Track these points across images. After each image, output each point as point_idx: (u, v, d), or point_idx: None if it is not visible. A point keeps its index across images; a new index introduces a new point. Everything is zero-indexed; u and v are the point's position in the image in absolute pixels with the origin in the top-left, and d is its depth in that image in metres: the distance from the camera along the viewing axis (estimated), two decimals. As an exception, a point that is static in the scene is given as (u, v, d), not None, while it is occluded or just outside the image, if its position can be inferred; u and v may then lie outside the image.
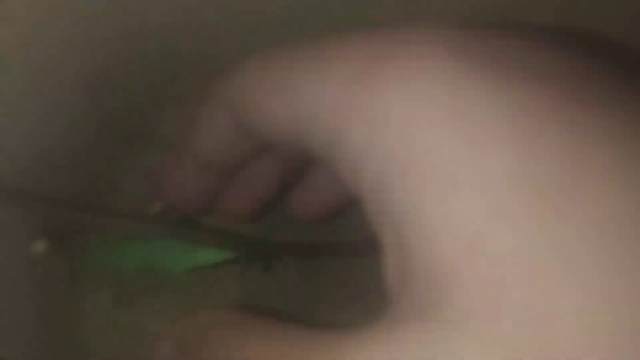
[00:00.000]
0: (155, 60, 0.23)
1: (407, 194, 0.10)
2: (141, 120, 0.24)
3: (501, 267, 0.09)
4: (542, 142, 0.10)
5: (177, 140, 0.17)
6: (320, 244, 0.20)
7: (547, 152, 0.10)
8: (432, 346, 0.10)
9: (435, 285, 0.10)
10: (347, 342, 0.11)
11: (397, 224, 0.11)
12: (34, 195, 0.18)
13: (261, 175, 0.18)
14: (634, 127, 0.10)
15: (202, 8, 0.22)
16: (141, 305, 0.23)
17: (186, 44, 0.23)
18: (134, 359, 0.22)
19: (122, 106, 0.23)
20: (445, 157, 0.10)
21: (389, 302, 0.11)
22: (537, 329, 0.09)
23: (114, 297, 0.23)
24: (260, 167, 0.18)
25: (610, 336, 0.09)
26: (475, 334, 0.09)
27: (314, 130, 0.12)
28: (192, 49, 0.23)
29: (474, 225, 0.10)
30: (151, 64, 0.23)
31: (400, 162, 0.11)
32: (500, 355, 0.09)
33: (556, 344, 0.09)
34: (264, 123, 0.13)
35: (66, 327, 0.23)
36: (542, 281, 0.09)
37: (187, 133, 0.17)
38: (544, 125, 0.10)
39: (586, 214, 0.09)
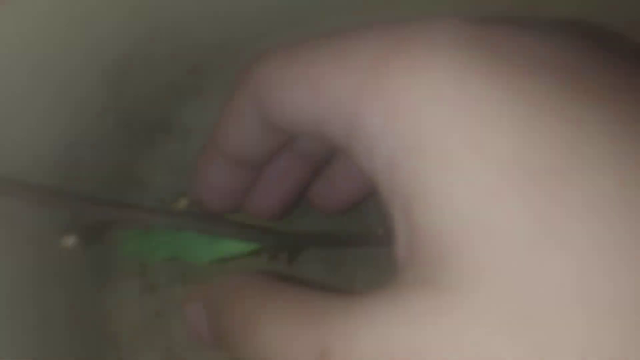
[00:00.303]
0: (176, 51, 0.23)
1: (414, 172, 0.11)
2: (162, 112, 0.24)
3: (496, 243, 0.10)
4: (538, 130, 0.11)
5: (207, 138, 0.18)
6: (344, 234, 0.21)
7: (542, 139, 0.11)
8: (432, 309, 0.11)
9: (437, 255, 0.11)
10: (357, 306, 0.12)
11: (404, 199, 0.12)
12: (61, 192, 0.18)
13: (284, 173, 0.19)
14: (628, 116, 0.11)
15: (222, -1, 0.22)
16: (168, 295, 0.23)
17: (206, 35, 0.23)
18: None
19: (142, 98, 0.24)
20: (449, 141, 0.11)
21: (398, 272, 0.12)
22: (533, 295, 0.10)
23: (141, 287, 0.23)
24: (283, 165, 0.19)
25: (605, 302, 0.10)
26: (473, 299, 0.10)
27: (334, 117, 0.13)
28: (213, 39, 0.23)
29: (472, 203, 0.11)
30: (171, 55, 0.23)
31: (410, 144, 0.12)
32: (495, 318, 0.10)
33: (551, 308, 0.10)
34: (288, 114, 0.14)
35: (94, 317, 0.23)
36: (538, 252, 0.10)
37: (216, 129, 0.17)
38: (541, 115, 0.11)
39: (578, 193, 0.10)
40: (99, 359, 0.23)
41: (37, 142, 0.21)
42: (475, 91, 0.11)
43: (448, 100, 0.11)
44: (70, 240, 0.18)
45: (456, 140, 0.11)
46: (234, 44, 0.24)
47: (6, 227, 0.19)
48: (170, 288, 0.23)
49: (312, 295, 0.13)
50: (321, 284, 0.18)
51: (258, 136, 0.16)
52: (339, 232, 0.21)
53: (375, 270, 0.22)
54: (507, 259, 0.10)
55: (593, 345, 0.09)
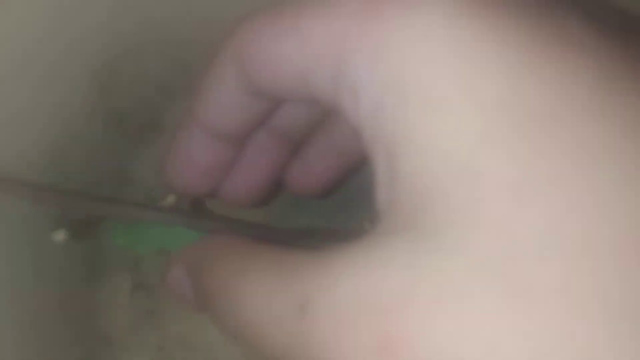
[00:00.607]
0: (165, 50, 0.23)
1: (403, 117, 0.11)
2: (151, 111, 0.24)
3: (481, 185, 0.10)
4: (527, 77, 0.11)
5: (185, 111, 0.17)
6: (331, 229, 0.21)
7: (531, 86, 0.11)
8: (413, 251, 0.11)
9: (418, 200, 0.11)
10: (335, 257, 0.12)
11: (389, 144, 0.12)
12: (51, 187, 0.19)
13: (262, 155, 0.19)
14: (616, 66, 0.11)
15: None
16: (159, 293, 0.23)
17: (196, 33, 0.23)
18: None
19: (132, 97, 0.24)
20: (438, 84, 0.11)
21: (377, 221, 0.12)
22: (512, 242, 0.10)
23: (132, 285, 0.24)
24: (261, 145, 0.18)
25: (582, 246, 0.10)
26: (453, 243, 0.10)
27: (321, 66, 0.13)
28: (202, 37, 0.24)
29: (463, 147, 0.11)
30: (160, 54, 0.23)
31: (396, 87, 0.11)
32: (475, 260, 0.10)
33: (530, 252, 0.10)
34: (272, 69, 0.14)
35: (86, 315, 0.23)
36: (521, 197, 0.10)
37: (193, 99, 0.17)
38: (531, 62, 0.11)
39: (564, 141, 0.10)
40: (90, 356, 0.23)
41: (25, 142, 0.21)
42: (466, 36, 0.11)
43: (439, 43, 0.11)
44: (60, 235, 0.18)
45: (444, 84, 0.11)
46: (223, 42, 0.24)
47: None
48: (162, 286, 0.23)
49: (291, 253, 0.13)
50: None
51: (238, 103, 0.16)
52: (327, 227, 0.21)
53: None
54: (489, 203, 0.10)
55: (568, 288, 0.10)
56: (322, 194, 0.20)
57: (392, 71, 0.11)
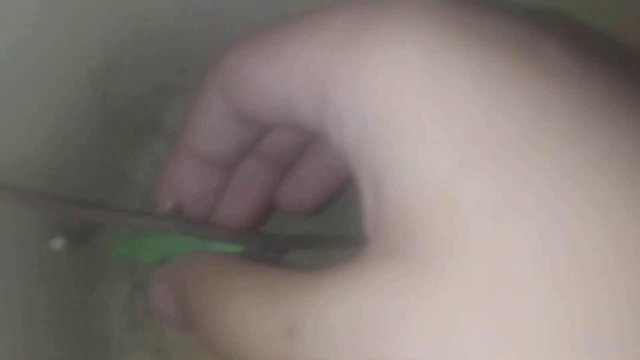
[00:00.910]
0: (162, 52, 0.23)
1: (384, 145, 0.12)
2: (149, 112, 0.24)
3: (461, 212, 0.10)
4: (505, 106, 0.11)
5: (176, 136, 0.17)
6: (330, 236, 0.21)
7: (508, 115, 0.11)
8: (399, 280, 0.11)
9: (404, 228, 0.11)
10: (324, 281, 0.12)
11: (373, 171, 0.12)
12: (48, 195, 0.19)
13: (253, 178, 0.19)
14: (592, 96, 0.11)
15: None
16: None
17: (193, 34, 0.23)
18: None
19: (130, 99, 0.24)
20: (419, 115, 0.11)
21: (365, 244, 0.12)
22: (495, 270, 0.10)
23: (130, 287, 0.24)
24: (251, 169, 0.19)
25: (564, 273, 0.10)
26: (439, 271, 0.10)
27: (306, 92, 0.13)
28: (200, 40, 0.24)
29: (440, 175, 0.11)
30: (158, 56, 0.23)
31: (380, 116, 0.12)
32: (459, 289, 0.10)
33: (512, 279, 0.10)
34: (258, 96, 0.14)
35: (84, 317, 0.23)
36: (501, 225, 0.10)
37: (183, 127, 0.17)
38: (507, 92, 0.11)
39: (540, 169, 0.10)
40: (88, 357, 0.23)
41: (21, 144, 0.21)
42: (445, 67, 0.11)
43: (420, 73, 0.11)
44: (58, 243, 0.18)
45: (425, 114, 0.11)
46: (221, 44, 0.24)
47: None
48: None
49: (278, 273, 0.13)
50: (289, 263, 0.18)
51: (226, 130, 0.16)
52: (324, 233, 0.21)
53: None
54: (470, 231, 0.10)
55: (553, 315, 0.10)
56: (315, 211, 0.20)
57: (373, 101, 0.12)
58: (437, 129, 0.11)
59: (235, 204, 0.19)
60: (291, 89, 0.13)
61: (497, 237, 0.10)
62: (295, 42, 0.13)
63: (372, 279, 0.11)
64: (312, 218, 0.22)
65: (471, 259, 0.10)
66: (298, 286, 0.12)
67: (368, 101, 0.12)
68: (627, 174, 0.10)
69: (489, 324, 0.10)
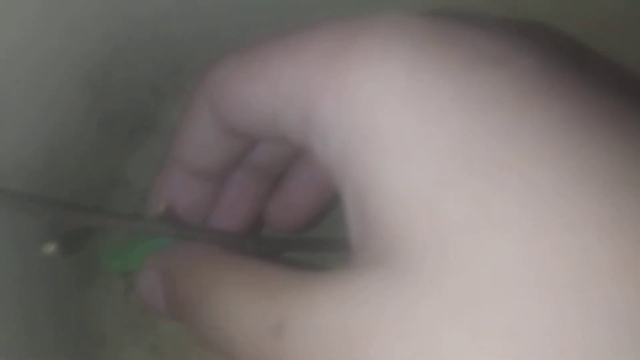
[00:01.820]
0: (157, 53, 0.23)
1: (367, 160, 0.12)
2: (145, 113, 0.24)
3: (443, 227, 0.11)
4: (482, 122, 0.11)
5: (167, 150, 0.18)
6: (323, 239, 0.21)
7: (486, 131, 0.11)
8: (382, 290, 0.11)
9: (387, 241, 0.12)
10: (315, 282, 0.12)
11: (356, 186, 0.12)
12: (40, 198, 0.19)
13: (243, 190, 0.19)
14: (570, 109, 0.11)
15: None
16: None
17: (188, 35, 0.23)
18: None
19: (125, 100, 0.24)
20: (400, 131, 0.12)
21: (352, 254, 0.13)
22: (472, 283, 0.10)
23: (126, 285, 0.24)
24: (240, 181, 0.19)
25: (539, 283, 0.10)
26: (418, 283, 0.11)
27: (290, 108, 0.13)
28: (194, 40, 0.23)
29: (421, 190, 0.11)
30: (153, 57, 0.23)
31: (361, 133, 0.12)
32: (437, 298, 0.11)
33: (488, 289, 0.10)
34: (245, 112, 0.15)
35: (80, 316, 0.23)
36: (479, 235, 0.11)
37: (173, 140, 0.17)
38: (485, 107, 0.11)
39: (517, 182, 0.11)
40: (85, 356, 0.23)
41: (17, 145, 0.21)
42: (425, 84, 0.12)
43: (399, 92, 0.12)
44: (50, 248, 0.18)
45: (405, 131, 0.11)
46: (215, 44, 0.24)
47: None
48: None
49: (270, 268, 0.14)
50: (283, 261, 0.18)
51: (215, 142, 0.17)
52: (318, 236, 0.21)
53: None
54: (448, 243, 0.11)
55: (526, 325, 0.10)
56: (304, 229, 0.20)
57: (356, 119, 0.12)
58: (418, 145, 0.11)
59: (226, 216, 0.19)
60: (276, 103, 0.14)
61: (475, 251, 0.11)
62: (281, 59, 0.13)
63: (355, 287, 0.12)
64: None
65: (451, 272, 0.11)
66: (289, 283, 0.13)
67: (351, 117, 0.12)
68: (602, 192, 0.10)
69: (464, 337, 0.10)
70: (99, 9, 0.21)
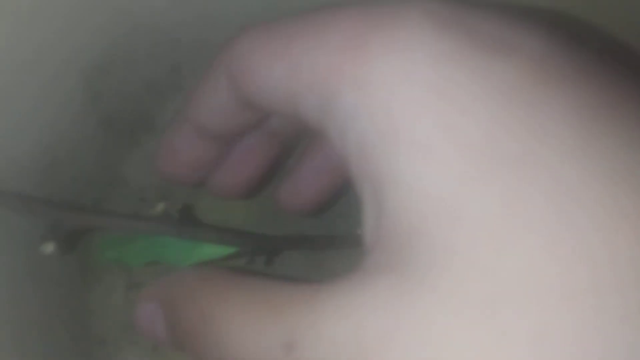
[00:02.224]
0: (155, 50, 0.23)
1: (386, 156, 0.11)
2: (143, 111, 0.24)
3: (462, 227, 0.10)
4: (509, 117, 0.11)
5: (179, 108, 0.17)
6: (323, 236, 0.21)
7: (513, 126, 0.11)
8: (400, 294, 0.11)
9: (404, 242, 0.11)
10: (323, 295, 0.12)
11: (374, 182, 0.12)
12: (39, 199, 0.19)
13: (252, 150, 0.19)
14: (598, 104, 0.11)
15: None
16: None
17: (186, 34, 0.23)
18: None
19: (123, 98, 0.23)
20: (422, 125, 0.11)
21: (362, 258, 0.12)
22: (492, 288, 0.10)
23: (126, 285, 0.24)
24: (251, 142, 0.19)
25: (563, 289, 0.10)
26: (435, 287, 0.10)
27: (309, 94, 0.13)
28: (192, 38, 0.23)
29: (441, 189, 0.11)
30: (151, 54, 0.23)
31: (382, 126, 0.12)
32: (459, 303, 0.10)
33: (508, 295, 0.10)
34: (263, 90, 0.14)
35: (80, 316, 0.23)
36: (504, 238, 0.10)
37: (189, 99, 0.17)
38: (513, 101, 0.11)
39: (544, 182, 0.10)
40: (85, 356, 0.23)
41: (16, 146, 0.21)
42: (451, 76, 0.11)
43: (423, 83, 0.11)
44: (49, 248, 0.18)
45: (429, 125, 0.11)
46: (213, 42, 0.23)
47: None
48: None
49: (273, 286, 0.13)
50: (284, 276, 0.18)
51: (230, 111, 0.16)
52: (317, 234, 0.21)
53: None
54: (473, 244, 0.10)
55: (546, 336, 0.10)
56: (314, 213, 0.20)
57: (377, 110, 0.12)
58: (439, 143, 0.11)
59: (230, 174, 0.19)
60: (295, 87, 0.13)
61: (494, 255, 0.10)
62: (303, 41, 0.13)
63: (374, 294, 0.11)
64: (304, 218, 0.22)
65: (474, 276, 0.10)
66: (295, 300, 0.12)
67: (371, 111, 0.12)
68: (630, 188, 0.10)
69: (484, 343, 0.10)
70: (94, 4, 0.21)
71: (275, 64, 0.14)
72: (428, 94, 0.11)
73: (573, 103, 0.11)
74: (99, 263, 0.22)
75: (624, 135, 0.11)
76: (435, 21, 0.12)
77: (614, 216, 0.10)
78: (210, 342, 0.14)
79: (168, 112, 0.24)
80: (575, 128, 0.11)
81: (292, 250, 0.21)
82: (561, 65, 0.11)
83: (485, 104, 0.11)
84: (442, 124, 0.11)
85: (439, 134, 0.11)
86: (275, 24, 0.14)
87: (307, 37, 0.13)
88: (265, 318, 0.12)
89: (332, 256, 0.21)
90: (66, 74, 0.22)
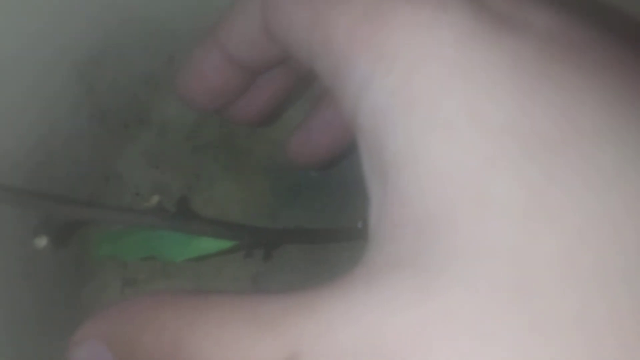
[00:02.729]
0: (150, 42, 0.23)
1: (405, 131, 0.11)
2: (137, 104, 0.24)
3: (491, 212, 0.10)
4: (538, 100, 0.10)
5: (209, 29, 0.17)
6: (320, 229, 0.20)
7: (543, 110, 0.10)
8: (419, 291, 0.10)
9: (421, 230, 0.10)
10: (326, 298, 0.10)
11: (386, 159, 0.11)
12: (32, 192, 0.18)
13: (273, 78, 0.18)
14: (628, 89, 0.10)
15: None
16: (149, 289, 0.23)
17: (181, 25, 0.23)
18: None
19: (117, 91, 0.23)
20: (445, 104, 0.10)
21: (370, 248, 0.11)
22: (525, 275, 0.09)
23: (122, 282, 0.23)
24: (273, 73, 0.18)
25: (594, 277, 0.09)
26: (463, 278, 0.10)
27: (326, 54, 0.12)
28: (188, 29, 0.23)
29: (467, 170, 0.10)
30: (145, 46, 0.23)
31: (400, 100, 0.11)
32: (486, 300, 0.09)
33: (542, 288, 0.09)
34: (283, 31, 0.14)
35: (75, 310, 0.23)
36: (529, 228, 0.10)
37: (219, 21, 0.17)
38: (542, 85, 0.10)
39: (574, 168, 0.10)
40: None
41: (6, 138, 0.20)
42: (477, 56, 0.11)
43: (448, 61, 0.11)
44: (42, 242, 0.18)
45: (452, 105, 0.10)
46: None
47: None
48: (152, 282, 0.23)
49: (259, 299, 0.11)
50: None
51: (257, 42, 0.16)
52: (316, 227, 0.21)
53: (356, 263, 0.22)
54: (500, 233, 0.10)
55: (584, 322, 0.09)
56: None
57: (398, 85, 0.11)
58: (467, 121, 0.10)
59: (249, 101, 0.19)
60: (312, 42, 0.12)
61: (525, 240, 0.10)
62: None
63: (386, 290, 0.10)
64: (304, 211, 0.21)
65: (497, 263, 0.10)
66: (295, 308, 0.11)
67: (391, 84, 0.11)
68: None
69: (518, 334, 0.09)
70: (91, 1, 0.21)
71: (298, 11, 0.13)
72: (455, 71, 0.11)
73: (607, 86, 0.10)
74: (94, 258, 0.22)
75: None
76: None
77: None
78: None
79: (163, 107, 0.24)
80: (606, 111, 0.10)
81: (291, 243, 0.20)
82: (591, 48, 0.11)
83: (517, 84, 0.10)
84: (468, 104, 0.10)
85: (463, 114, 0.10)
86: None
87: None
88: (258, 333, 0.11)
89: (332, 249, 0.21)
90: (58, 66, 0.21)
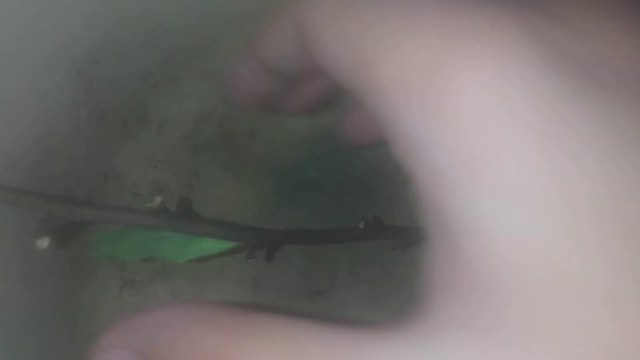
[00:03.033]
0: (148, 40, 0.23)
1: (471, 195, 0.10)
2: (136, 103, 0.24)
3: (573, 291, 0.09)
4: (628, 175, 0.09)
5: (245, 42, 0.17)
6: (322, 230, 0.20)
7: (633, 187, 0.09)
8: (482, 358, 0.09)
9: (492, 292, 0.10)
10: (376, 345, 0.10)
11: (452, 222, 0.10)
12: (32, 192, 0.18)
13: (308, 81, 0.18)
14: None
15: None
16: (148, 291, 0.23)
17: (180, 23, 0.22)
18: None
19: (116, 89, 0.23)
20: (521, 171, 0.10)
21: (424, 301, 0.10)
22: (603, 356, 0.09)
23: (121, 282, 0.23)
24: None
25: None
26: (538, 355, 0.09)
27: (371, 93, 0.11)
28: (187, 27, 0.23)
29: (547, 243, 0.09)
30: (144, 44, 0.23)
31: (467, 162, 0.10)
32: None
33: None
34: (322, 53, 0.13)
35: (75, 311, 0.23)
36: (615, 311, 0.09)
37: (256, 34, 0.16)
38: (632, 154, 0.09)
39: None
40: (79, 354, 0.22)
41: (8, 139, 0.20)
42: (556, 114, 0.10)
43: (519, 120, 0.10)
44: (44, 243, 0.18)
45: (526, 171, 0.10)
46: (208, 32, 0.23)
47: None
48: (151, 283, 0.23)
49: (303, 329, 0.11)
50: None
51: (294, 57, 0.15)
52: (317, 227, 0.20)
53: (358, 265, 0.22)
54: (582, 314, 0.09)
55: None
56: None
57: (462, 141, 0.10)
58: (547, 192, 0.09)
59: (296, 95, 0.19)
60: (354, 74, 0.12)
61: (609, 325, 0.09)
62: (373, 29, 0.11)
63: (446, 353, 0.10)
64: (304, 211, 0.21)
65: (578, 346, 0.09)
66: (347, 347, 0.10)
67: (453, 139, 0.10)
68: None
69: None
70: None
71: (340, 37, 0.12)
72: (528, 134, 0.10)
73: None
74: (93, 258, 0.21)
75: None
76: (534, 43, 0.10)
77: None
78: None
79: (162, 105, 0.24)
80: None
81: (293, 244, 0.20)
82: None
83: (599, 159, 0.09)
84: (546, 171, 0.09)
85: (541, 182, 0.09)
86: None
87: (381, 26, 0.11)
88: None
89: (334, 249, 0.21)
90: (57, 64, 0.21)
